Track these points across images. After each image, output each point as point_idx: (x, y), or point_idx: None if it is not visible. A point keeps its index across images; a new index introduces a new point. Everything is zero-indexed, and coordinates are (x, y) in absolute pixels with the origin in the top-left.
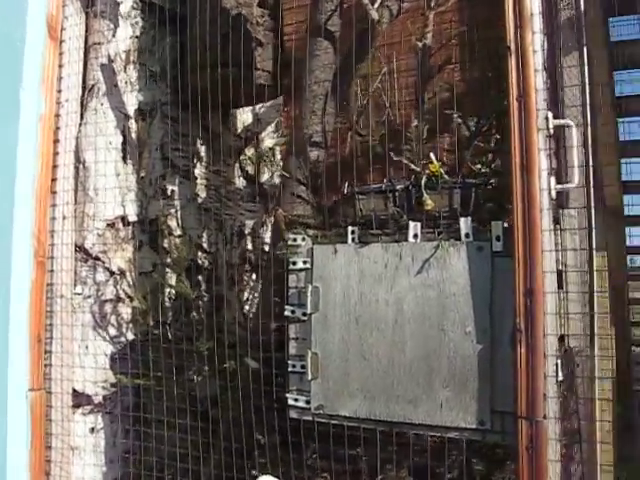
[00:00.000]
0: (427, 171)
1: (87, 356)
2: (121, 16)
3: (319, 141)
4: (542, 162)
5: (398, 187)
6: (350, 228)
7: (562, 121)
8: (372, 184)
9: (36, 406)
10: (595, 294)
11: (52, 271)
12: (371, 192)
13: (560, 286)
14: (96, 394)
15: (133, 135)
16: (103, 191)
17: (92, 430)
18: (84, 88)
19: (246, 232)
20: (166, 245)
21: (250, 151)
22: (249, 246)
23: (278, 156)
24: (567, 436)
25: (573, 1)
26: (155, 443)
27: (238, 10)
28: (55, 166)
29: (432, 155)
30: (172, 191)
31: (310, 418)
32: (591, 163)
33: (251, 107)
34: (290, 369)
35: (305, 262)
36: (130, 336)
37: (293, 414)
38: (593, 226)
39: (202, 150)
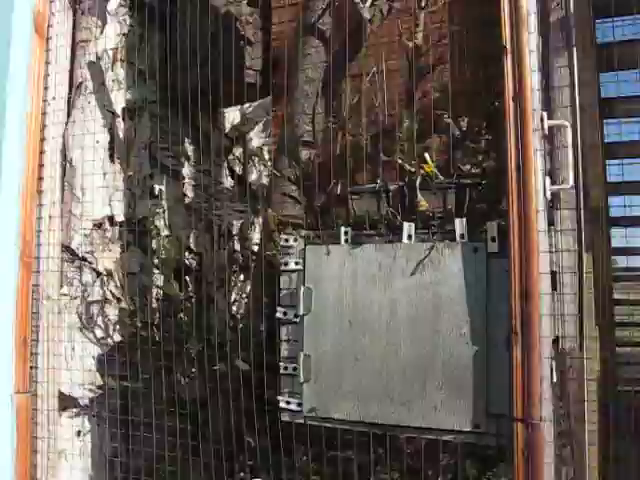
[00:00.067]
0: (421, 171)
1: (73, 358)
2: (109, 13)
3: (310, 140)
4: (538, 162)
5: (391, 187)
6: (343, 229)
7: (557, 121)
8: (365, 184)
9: (22, 409)
10: (584, 295)
11: (38, 272)
12: (364, 192)
13: (554, 287)
14: (83, 397)
15: (120, 134)
16: (90, 190)
17: (79, 433)
18: (71, 86)
19: (234, 232)
20: (154, 245)
21: (238, 151)
22: (237, 246)
23: (267, 156)
24: (560, 438)
25: (563, 1)
26: (142, 446)
27: (227, 8)
28: (41, 165)
29: (427, 155)
30: (160, 191)
31: (302, 421)
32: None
33: (239, 106)
34: (282, 371)
35: (297, 263)
36: (117, 338)
37: (285, 417)
38: (582, 227)
39: (190, 149)
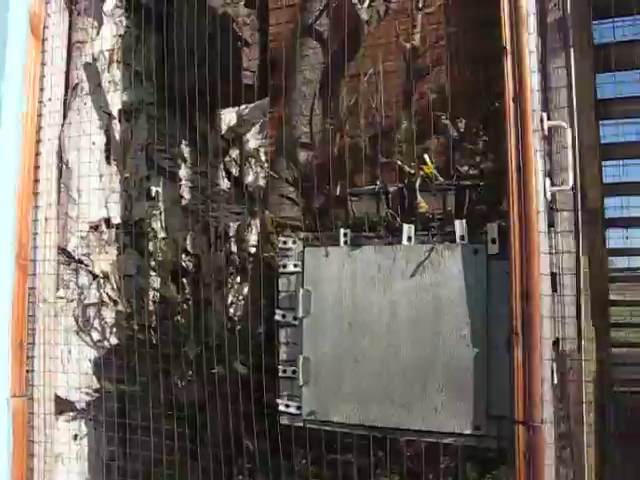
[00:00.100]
0: (421, 173)
1: (70, 361)
2: (105, 14)
3: (307, 142)
4: (538, 163)
5: (391, 189)
6: (342, 230)
7: (556, 122)
8: (364, 186)
9: (18, 413)
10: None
11: (34, 274)
12: (363, 194)
13: (554, 289)
14: (79, 400)
15: (117, 135)
16: (86, 192)
17: (75, 437)
18: (67, 87)
19: (231, 234)
20: (151, 248)
21: (235, 152)
22: (234, 248)
23: (263, 157)
24: (560, 440)
25: (560, 2)
26: (140, 450)
27: (224, 9)
28: (37, 167)
29: (427, 157)
30: (156, 192)
31: (301, 424)
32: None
33: (236, 108)
34: (281, 374)
35: (296, 265)
36: (114, 340)
37: (284, 420)
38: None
39: (187, 151)
